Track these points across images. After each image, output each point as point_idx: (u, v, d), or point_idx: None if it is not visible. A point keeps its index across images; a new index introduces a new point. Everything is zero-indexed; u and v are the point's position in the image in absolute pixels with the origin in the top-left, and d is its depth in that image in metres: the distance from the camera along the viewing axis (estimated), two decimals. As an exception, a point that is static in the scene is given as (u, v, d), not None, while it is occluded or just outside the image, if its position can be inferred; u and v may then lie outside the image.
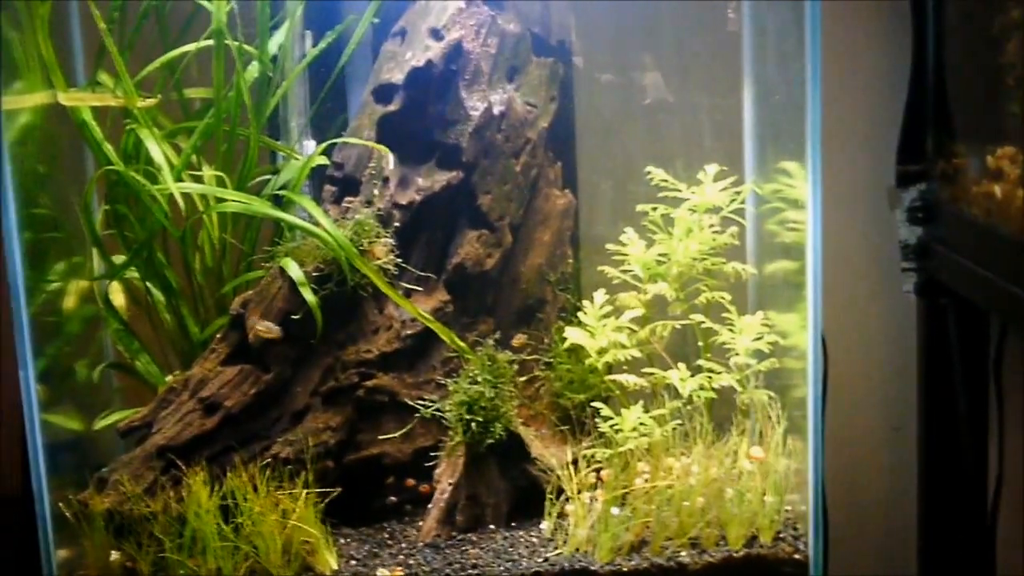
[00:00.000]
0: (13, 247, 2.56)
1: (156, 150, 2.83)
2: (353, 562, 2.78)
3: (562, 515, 2.85)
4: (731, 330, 2.95)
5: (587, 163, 3.29)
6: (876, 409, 3.45)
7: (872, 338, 3.41)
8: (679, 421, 2.85)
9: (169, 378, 2.98)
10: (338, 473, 2.91)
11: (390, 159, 2.91)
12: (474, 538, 2.86)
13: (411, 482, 3.05)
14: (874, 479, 3.47)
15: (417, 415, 2.93)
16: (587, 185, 3.29)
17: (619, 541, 2.74)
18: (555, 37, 3.20)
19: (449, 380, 2.93)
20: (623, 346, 2.93)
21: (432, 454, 2.95)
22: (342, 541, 2.88)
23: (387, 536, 2.91)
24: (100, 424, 3.03)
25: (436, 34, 3.00)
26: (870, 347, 3.41)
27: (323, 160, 2.99)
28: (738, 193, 3.01)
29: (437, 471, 2.94)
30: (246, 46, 2.95)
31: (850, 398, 3.31)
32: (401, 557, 2.79)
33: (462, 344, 2.95)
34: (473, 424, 2.82)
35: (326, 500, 2.76)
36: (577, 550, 2.76)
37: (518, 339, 3.07)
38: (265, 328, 2.83)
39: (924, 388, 3.17)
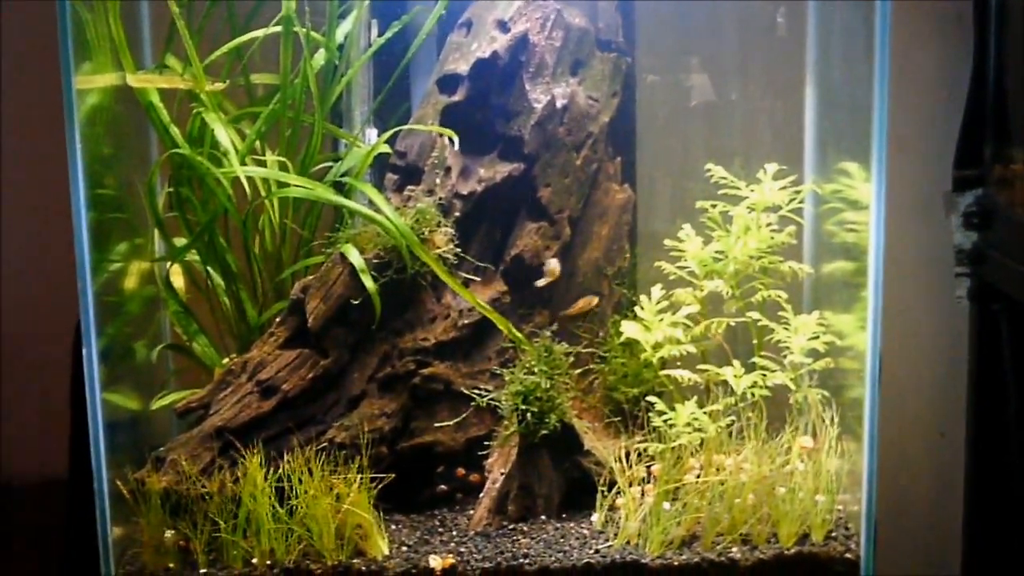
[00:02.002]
0: (81, 227, 2.58)
1: (223, 134, 2.85)
2: (404, 548, 2.79)
3: (613, 508, 2.86)
4: (786, 329, 2.95)
5: (646, 158, 3.30)
6: (924, 413, 3.45)
7: (922, 342, 3.41)
8: (732, 418, 2.86)
9: (226, 360, 3.01)
10: (391, 459, 2.92)
11: (456, 141, 2.91)
12: (525, 528, 2.87)
13: (461, 471, 3.06)
14: (920, 482, 3.47)
15: (473, 404, 2.95)
16: (646, 180, 3.29)
17: (669, 535, 2.75)
18: (610, 34, 3.19)
19: (505, 370, 2.94)
20: (678, 341, 2.94)
21: (485, 444, 2.96)
22: (393, 527, 2.90)
23: (438, 524, 2.93)
24: (157, 404, 3.05)
25: (502, 26, 3.01)
26: (920, 351, 3.41)
27: (386, 148, 3.01)
28: (797, 192, 3.01)
29: (489, 460, 2.95)
30: (314, 33, 2.97)
31: (899, 401, 3.31)
32: (452, 545, 2.81)
33: (519, 334, 2.96)
34: (528, 414, 2.83)
35: (379, 486, 2.78)
36: (628, 543, 2.77)
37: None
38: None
39: (974, 393, 3.17)
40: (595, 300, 3.09)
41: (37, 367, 3.49)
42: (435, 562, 2.71)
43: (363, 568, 2.70)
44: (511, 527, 2.87)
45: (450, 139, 2.96)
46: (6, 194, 3.47)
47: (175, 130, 2.93)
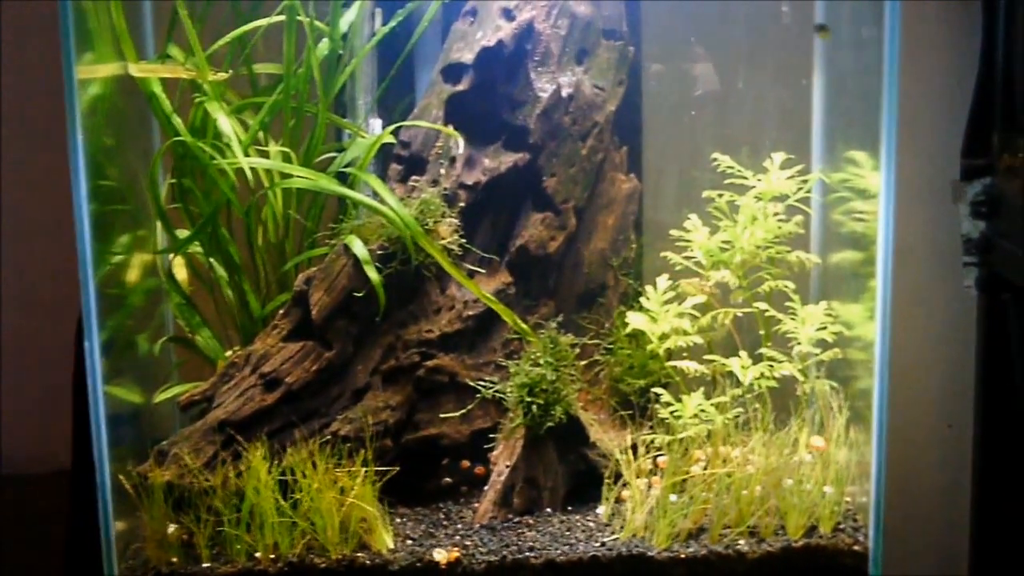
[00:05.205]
0: (82, 218, 2.56)
1: (226, 123, 2.83)
2: (409, 542, 2.77)
3: (619, 500, 2.85)
4: (794, 319, 2.93)
5: (653, 148, 3.28)
6: (931, 405, 3.44)
7: (929, 332, 3.39)
8: (740, 409, 2.84)
9: (230, 353, 2.99)
10: (396, 452, 2.91)
11: (460, 143, 2.89)
12: (530, 521, 2.85)
13: (466, 464, 3.04)
14: (927, 474, 3.45)
15: (478, 396, 2.93)
16: (652, 170, 3.27)
17: (676, 528, 2.73)
18: (613, 23, 3.16)
19: (510, 362, 2.92)
20: (685, 332, 2.92)
21: (490, 436, 2.94)
22: (398, 520, 2.88)
23: (443, 517, 2.91)
24: (160, 397, 3.04)
25: (507, 14, 2.99)
26: (927, 341, 3.39)
27: (390, 138, 2.98)
28: (804, 182, 2.99)
29: (494, 453, 2.93)
30: (317, 23, 2.95)
31: (905, 393, 3.28)
32: (457, 538, 2.79)
33: (524, 326, 2.94)
34: (534, 406, 2.81)
35: (384, 479, 2.76)
36: (634, 535, 2.75)
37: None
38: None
39: (982, 384, 3.16)
40: None
41: (38, 358, 3.47)
42: (440, 555, 2.69)
43: (368, 562, 2.69)
44: (516, 520, 2.85)
45: (455, 133, 2.93)
46: (6, 185, 3.45)
47: (177, 120, 2.91)
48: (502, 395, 2.89)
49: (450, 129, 2.94)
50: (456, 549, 2.71)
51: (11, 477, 3.54)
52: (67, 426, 3.04)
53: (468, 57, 2.98)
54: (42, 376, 3.43)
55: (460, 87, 3.00)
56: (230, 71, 2.96)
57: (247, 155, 2.88)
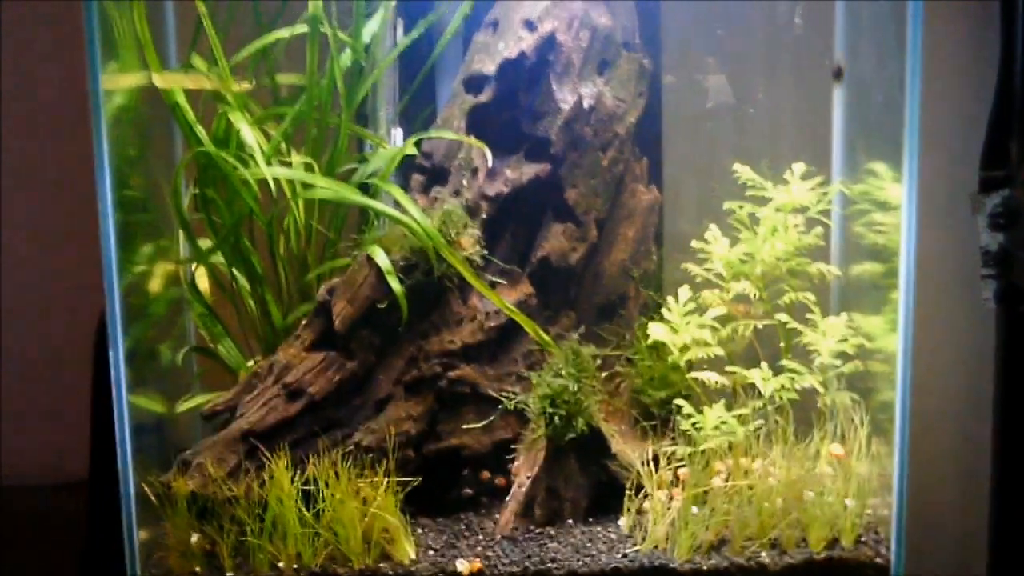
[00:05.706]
0: (108, 228, 2.56)
1: (249, 133, 2.84)
2: (431, 552, 2.77)
3: (640, 512, 2.84)
4: (815, 331, 2.93)
5: (673, 159, 3.28)
6: (949, 417, 3.43)
7: (947, 344, 3.39)
8: (761, 421, 2.84)
9: (251, 363, 2.99)
10: (418, 463, 2.91)
11: (488, 156, 2.90)
12: (552, 532, 2.85)
13: (486, 475, 3.03)
14: (945, 486, 3.45)
15: (500, 407, 2.93)
16: (672, 181, 3.28)
17: (698, 540, 2.73)
18: (626, 35, 3.16)
19: (532, 373, 2.92)
20: (706, 343, 2.92)
21: (511, 447, 2.94)
22: (420, 531, 2.88)
23: (464, 527, 2.90)
24: (182, 407, 3.04)
25: (529, 26, 3.00)
26: (944, 353, 3.39)
27: (412, 149, 2.99)
28: (825, 193, 2.99)
29: (515, 464, 2.93)
30: (340, 33, 2.95)
31: (923, 405, 3.28)
32: (479, 549, 2.78)
33: (546, 337, 2.95)
34: (556, 418, 2.81)
35: (406, 489, 2.76)
36: (656, 547, 2.75)
37: None
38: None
39: (1001, 397, 3.15)
40: None
41: (43, 368, 3.47)
42: (463, 566, 2.69)
43: (390, 572, 2.69)
44: (538, 531, 2.85)
45: (482, 144, 2.94)
46: (25, 196, 3.46)
47: (201, 130, 2.91)
48: (524, 406, 2.89)
49: (475, 140, 2.94)
50: (478, 560, 2.71)
51: (14, 488, 3.53)
52: (73, 436, 3.04)
53: (490, 68, 2.99)
54: (48, 387, 3.43)
55: (482, 98, 3.00)
56: (253, 81, 2.97)
57: (270, 165, 2.89)
